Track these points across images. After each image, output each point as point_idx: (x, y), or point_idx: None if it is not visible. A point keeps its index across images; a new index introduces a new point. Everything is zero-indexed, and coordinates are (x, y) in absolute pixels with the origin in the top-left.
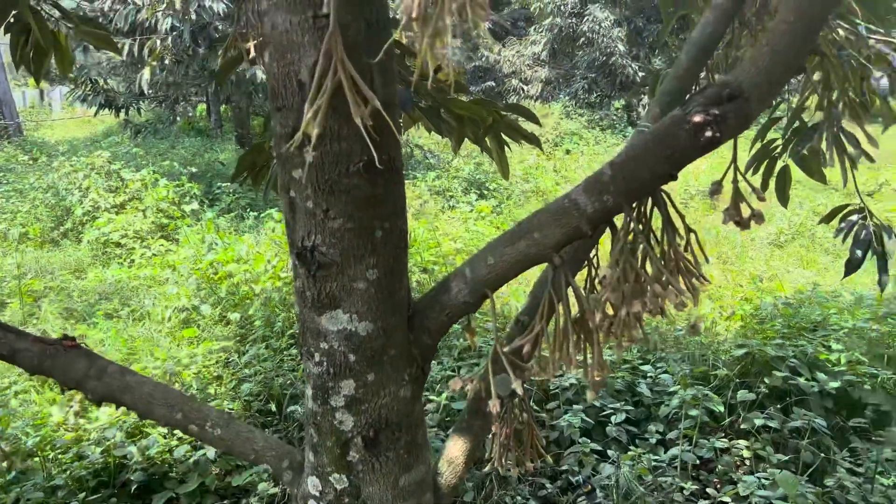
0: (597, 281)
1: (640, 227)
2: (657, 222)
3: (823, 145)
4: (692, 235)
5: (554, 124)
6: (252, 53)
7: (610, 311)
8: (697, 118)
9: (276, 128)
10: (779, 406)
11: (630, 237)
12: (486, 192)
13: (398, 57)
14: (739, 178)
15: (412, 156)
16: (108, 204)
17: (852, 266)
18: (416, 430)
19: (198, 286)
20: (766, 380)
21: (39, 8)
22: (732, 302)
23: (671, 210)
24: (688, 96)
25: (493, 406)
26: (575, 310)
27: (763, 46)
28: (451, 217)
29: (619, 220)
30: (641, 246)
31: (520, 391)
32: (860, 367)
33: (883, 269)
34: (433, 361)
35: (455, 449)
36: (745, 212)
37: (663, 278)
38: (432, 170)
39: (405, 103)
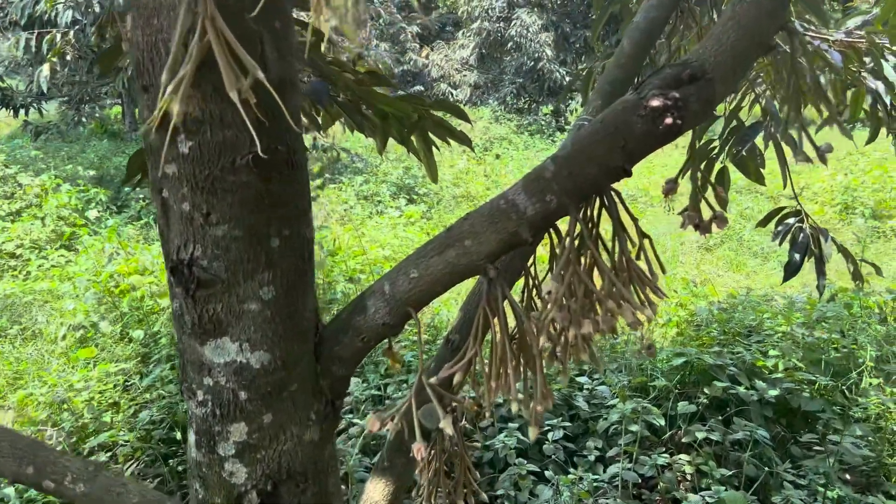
0: (536, 294)
1: (589, 231)
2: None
3: (761, 145)
4: (646, 241)
5: (483, 129)
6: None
7: (555, 331)
8: (655, 102)
9: (143, 112)
10: (720, 417)
11: (576, 244)
12: (415, 197)
13: (314, 46)
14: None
15: (339, 159)
16: (2, 211)
17: (791, 270)
18: (326, 479)
19: (98, 301)
20: (706, 390)
21: None
22: (668, 308)
23: (623, 212)
24: (639, 80)
25: (418, 451)
26: (514, 328)
27: (727, 21)
28: (379, 223)
29: (562, 224)
30: (589, 254)
31: (449, 431)
32: (798, 374)
33: (821, 272)
34: (356, 378)
35: (376, 492)
36: (706, 214)
37: (616, 293)
38: (360, 174)
39: (321, 96)
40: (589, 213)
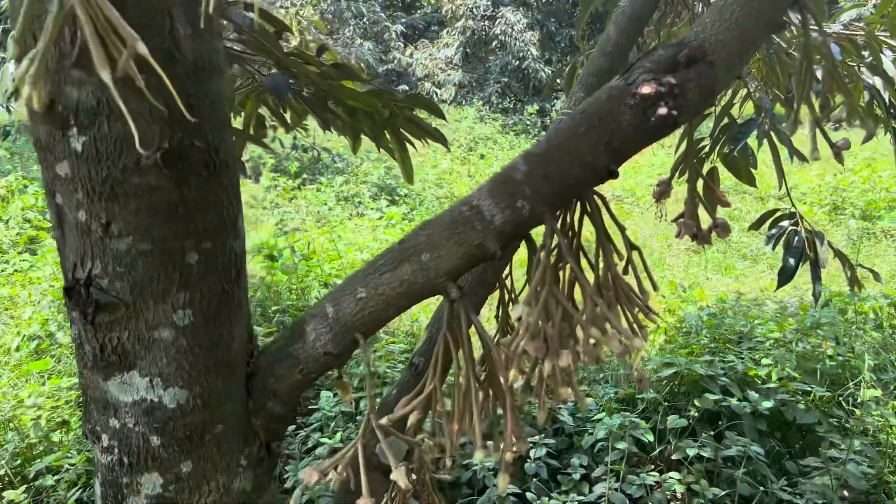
0: (512, 310)
1: (569, 242)
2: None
3: (754, 145)
4: (636, 253)
5: (468, 129)
6: None
7: (529, 362)
8: (646, 89)
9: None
10: (711, 432)
11: (553, 258)
12: (397, 198)
13: (271, 36)
14: (695, 176)
15: (319, 159)
16: None
17: (786, 276)
18: None
19: (56, 309)
20: (697, 402)
21: None
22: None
23: (608, 219)
24: (628, 65)
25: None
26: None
27: None
28: (358, 225)
29: (539, 233)
30: (569, 270)
31: (403, 483)
32: (792, 385)
33: (817, 278)
34: (326, 392)
35: None
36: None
37: (600, 316)
38: (341, 174)
39: (280, 90)
40: (568, 219)
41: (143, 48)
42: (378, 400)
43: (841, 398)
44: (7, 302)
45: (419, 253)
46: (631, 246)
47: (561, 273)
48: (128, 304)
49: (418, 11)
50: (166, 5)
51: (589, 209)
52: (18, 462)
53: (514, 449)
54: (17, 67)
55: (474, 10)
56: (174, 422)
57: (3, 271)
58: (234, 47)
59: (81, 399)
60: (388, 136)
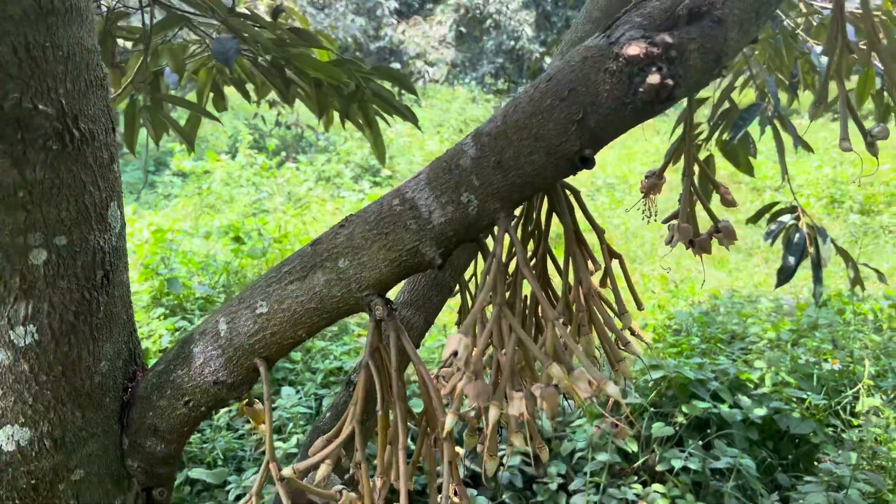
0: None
1: (530, 248)
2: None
3: (753, 132)
4: (616, 262)
5: (459, 109)
6: None
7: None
8: (633, 50)
9: None
10: (700, 441)
11: (510, 268)
12: (380, 180)
13: (225, 7)
14: (696, 169)
15: (303, 137)
16: None
17: (786, 275)
18: None
19: None
20: (685, 408)
21: None
22: (644, 311)
23: (582, 218)
24: (612, 18)
25: None
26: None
27: None
28: (338, 207)
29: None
30: (526, 284)
31: None
32: (786, 391)
33: (818, 279)
34: (288, 389)
35: None
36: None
37: (566, 348)
38: (324, 153)
39: (227, 55)
40: (534, 216)
41: None
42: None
43: (839, 407)
44: None
45: (336, 258)
46: (611, 254)
47: (523, 285)
48: None
49: None
50: None
51: (557, 207)
52: None
53: None
54: None
55: None
56: (14, 468)
57: None
58: (182, 7)
59: None
60: (356, 112)
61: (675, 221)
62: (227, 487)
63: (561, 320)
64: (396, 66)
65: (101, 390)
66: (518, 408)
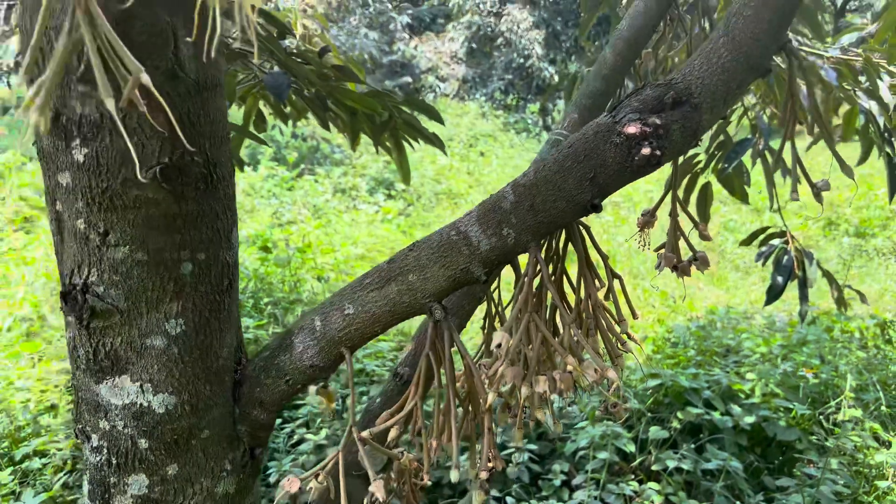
0: (500, 324)
1: (552, 269)
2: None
3: (748, 161)
4: (617, 282)
5: (469, 125)
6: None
7: (508, 386)
8: (631, 129)
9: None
10: (693, 444)
11: (537, 283)
12: (394, 193)
13: (272, 38)
14: (679, 209)
15: (318, 149)
16: None
17: (774, 294)
18: None
19: (49, 292)
20: (680, 414)
21: None
22: (645, 325)
23: (591, 248)
24: (617, 99)
25: None
26: (462, 375)
27: (720, 37)
28: (354, 219)
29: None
30: (550, 296)
31: (381, 496)
32: (774, 401)
33: (804, 297)
34: (314, 386)
35: None
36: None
37: (578, 345)
38: (339, 165)
39: (280, 90)
40: (553, 246)
41: (146, 78)
42: (362, 405)
43: (822, 416)
44: (1, 280)
45: (406, 273)
46: (612, 274)
47: (546, 297)
48: (122, 312)
49: (425, 3)
50: (172, 27)
51: (573, 238)
52: (6, 444)
53: (490, 467)
54: (27, 90)
55: (481, 5)
56: (162, 426)
57: None
58: (237, 46)
59: (73, 397)
60: (386, 137)
61: (663, 251)
62: (268, 472)
63: (574, 324)
64: (407, 79)
65: (223, 371)
66: (542, 387)
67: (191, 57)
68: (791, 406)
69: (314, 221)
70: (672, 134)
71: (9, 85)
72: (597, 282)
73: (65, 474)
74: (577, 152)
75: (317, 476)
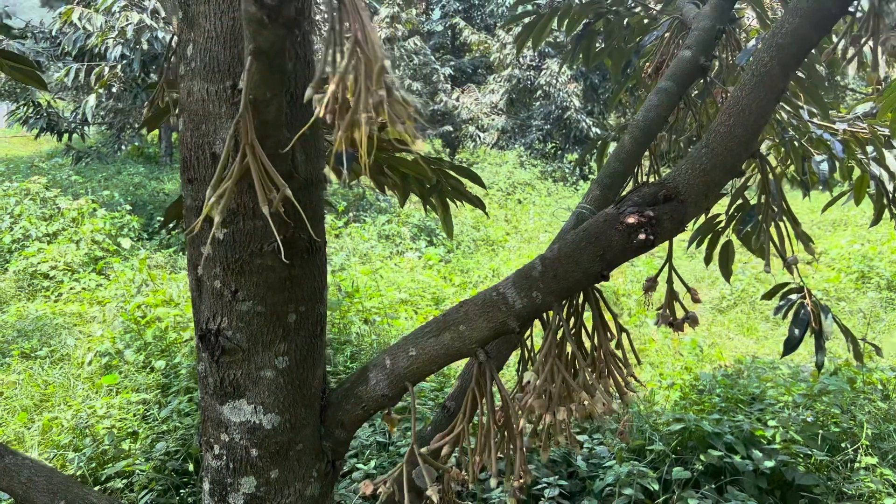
0: (531, 364)
1: (572, 323)
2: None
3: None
4: (624, 336)
5: (507, 173)
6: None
7: (536, 415)
8: (631, 219)
9: (186, 200)
10: (713, 485)
11: (560, 335)
12: (435, 241)
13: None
14: (675, 277)
15: (364, 197)
16: (39, 232)
17: (791, 346)
18: None
19: (124, 329)
20: (702, 457)
21: None
22: (673, 372)
23: (603, 308)
24: (622, 192)
25: None
26: (500, 408)
27: (702, 148)
28: (398, 265)
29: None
30: (570, 346)
31: (435, 499)
32: (794, 447)
33: (820, 348)
34: (364, 424)
35: None
36: (679, 313)
37: (592, 385)
38: (384, 213)
39: (347, 162)
40: (573, 304)
41: (289, 192)
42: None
43: (840, 463)
44: (76, 318)
45: (458, 324)
46: (620, 329)
47: (567, 346)
48: (244, 350)
49: (466, 55)
50: (291, 142)
51: (588, 299)
52: (94, 465)
53: (521, 479)
54: (210, 195)
55: (520, 59)
56: (269, 439)
57: (72, 289)
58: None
59: (199, 417)
60: (433, 198)
61: (660, 310)
62: None
63: (589, 368)
64: (449, 128)
65: (314, 397)
66: (562, 415)
67: (303, 162)
68: (810, 452)
69: (359, 267)
70: (663, 223)
71: (83, 137)
72: (608, 334)
73: (148, 493)
74: (590, 234)
75: (385, 482)
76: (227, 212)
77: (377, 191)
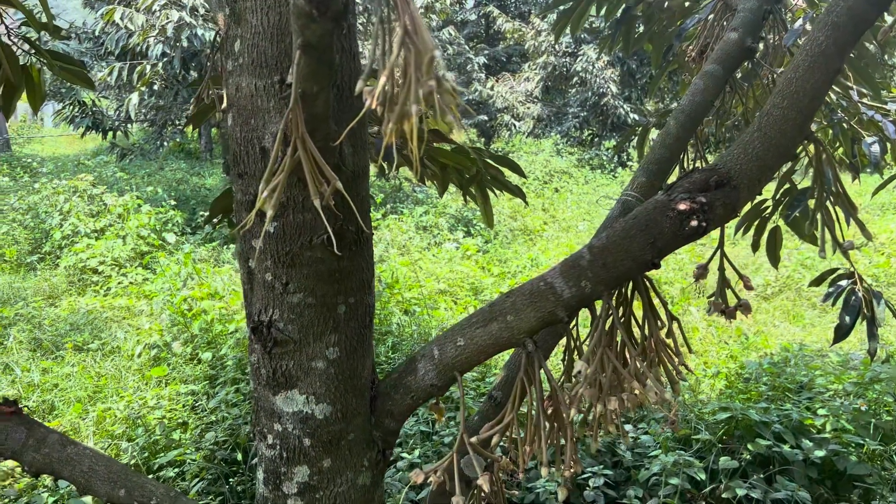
0: (577, 354)
1: (621, 312)
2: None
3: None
4: (675, 323)
5: (544, 162)
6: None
7: (586, 404)
8: (682, 206)
9: (236, 194)
10: (762, 475)
11: (609, 324)
12: (472, 231)
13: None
14: (726, 264)
15: (401, 188)
16: (88, 229)
17: (842, 333)
18: None
19: (171, 322)
20: (750, 446)
21: (11, 42)
22: (717, 360)
23: (653, 296)
24: (673, 179)
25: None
26: (549, 397)
27: (754, 131)
28: (436, 256)
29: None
30: (620, 334)
31: (486, 487)
32: (845, 437)
33: (872, 335)
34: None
35: None
36: (731, 300)
37: (643, 374)
38: (420, 205)
39: (388, 154)
40: (623, 293)
41: (340, 185)
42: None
43: (894, 452)
44: (125, 311)
45: (505, 315)
46: (671, 317)
47: (617, 335)
48: (295, 342)
49: (501, 44)
50: (338, 134)
51: (638, 288)
52: (146, 455)
53: (571, 469)
54: (262, 189)
55: (556, 46)
56: (321, 429)
57: (120, 283)
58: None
59: (252, 408)
60: (472, 188)
61: (713, 298)
62: None
63: (639, 357)
64: (484, 117)
65: (364, 387)
66: (613, 405)
67: (350, 154)
68: (862, 442)
69: (399, 258)
70: (715, 209)
71: (126, 135)
72: (659, 323)
73: (199, 481)
74: (640, 222)
75: (435, 471)
76: (271, 214)
77: (414, 182)
